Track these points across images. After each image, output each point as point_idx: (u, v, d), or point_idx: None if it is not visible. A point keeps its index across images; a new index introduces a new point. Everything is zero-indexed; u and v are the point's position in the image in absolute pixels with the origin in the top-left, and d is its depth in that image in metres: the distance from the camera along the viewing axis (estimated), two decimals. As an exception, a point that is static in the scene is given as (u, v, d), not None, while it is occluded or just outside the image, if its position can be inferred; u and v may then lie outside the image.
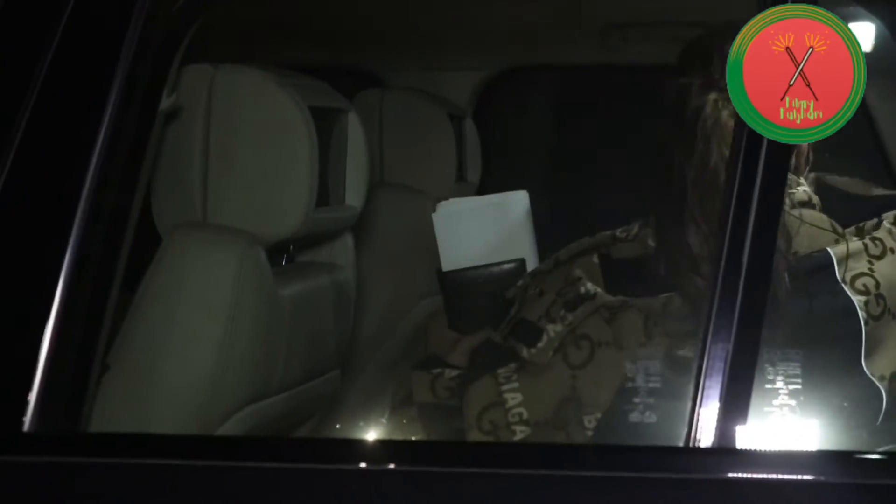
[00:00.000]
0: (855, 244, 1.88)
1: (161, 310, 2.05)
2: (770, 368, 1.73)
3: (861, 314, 1.81)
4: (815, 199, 1.96)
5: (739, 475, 1.48)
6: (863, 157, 2.70)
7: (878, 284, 1.84)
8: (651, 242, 1.95)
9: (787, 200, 1.86)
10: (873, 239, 1.90)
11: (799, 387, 1.74)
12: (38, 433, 1.61)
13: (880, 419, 1.79)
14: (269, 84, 2.13)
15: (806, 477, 1.47)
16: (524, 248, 2.18)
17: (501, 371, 1.91)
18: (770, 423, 1.72)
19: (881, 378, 1.80)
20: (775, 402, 1.73)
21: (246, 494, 1.52)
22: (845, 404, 1.77)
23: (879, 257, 1.88)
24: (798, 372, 1.74)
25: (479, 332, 2.03)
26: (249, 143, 2.13)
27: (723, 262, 1.53)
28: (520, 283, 2.03)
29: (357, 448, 1.73)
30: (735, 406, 1.50)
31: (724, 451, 1.49)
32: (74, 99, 1.69)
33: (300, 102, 2.13)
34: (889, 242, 1.90)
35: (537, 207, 2.24)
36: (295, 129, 2.11)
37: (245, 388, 2.10)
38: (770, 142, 1.57)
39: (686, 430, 1.50)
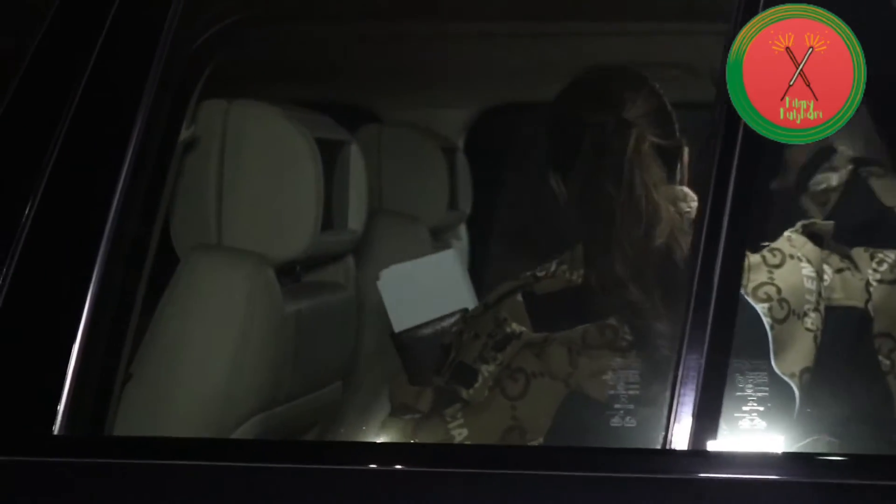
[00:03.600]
0: (753, 258, 1.87)
1: (179, 324, 2.06)
2: (740, 378, 1.74)
3: (766, 320, 1.81)
4: None
5: (711, 475, 1.48)
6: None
7: (779, 290, 1.84)
8: (570, 277, 1.95)
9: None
10: (771, 250, 1.89)
11: (766, 394, 1.74)
12: (66, 437, 1.61)
13: (796, 413, 1.79)
14: (279, 117, 2.15)
15: (772, 477, 1.47)
16: (465, 299, 2.17)
17: (448, 411, 1.92)
18: (737, 428, 1.72)
19: (791, 375, 1.80)
20: (745, 408, 1.73)
21: (256, 493, 1.52)
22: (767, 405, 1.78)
23: (779, 266, 1.87)
24: (765, 380, 1.75)
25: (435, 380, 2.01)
26: (260, 171, 2.15)
27: (696, 280, 1.52)
28: (454, 328, 2.03)
29: (361, 450, 1.75)
30: (707, 412, 1.49)
31: (698, 453, 1.49)
32: (102, 130, 1.70)
33: (307, 134, 2.14)
34: (787, 249, 1.89)
35: (522, 232, 2.18)
36: (302, 158, 2.13)
37: (255, 397, 2.10)
38: (739, 168, 1.53)
39: (663, 434, 1.50)
